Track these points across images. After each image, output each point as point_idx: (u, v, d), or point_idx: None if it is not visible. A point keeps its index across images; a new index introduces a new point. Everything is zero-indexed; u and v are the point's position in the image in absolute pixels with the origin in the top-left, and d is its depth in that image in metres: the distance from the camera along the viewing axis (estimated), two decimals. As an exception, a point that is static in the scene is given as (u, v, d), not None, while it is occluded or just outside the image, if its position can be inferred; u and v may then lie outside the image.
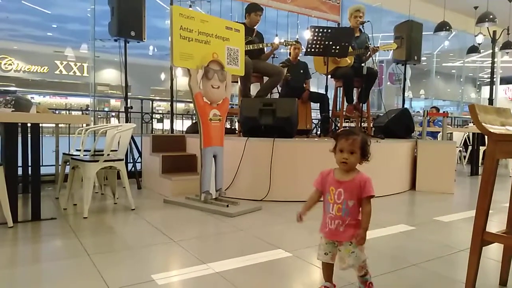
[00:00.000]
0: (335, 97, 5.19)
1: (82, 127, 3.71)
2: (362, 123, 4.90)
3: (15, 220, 2.50)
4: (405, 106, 5.89)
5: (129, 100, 4.48)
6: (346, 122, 5.55)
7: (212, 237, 2.44)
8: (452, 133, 6.98)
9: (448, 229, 2.73)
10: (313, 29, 4.18)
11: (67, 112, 7.71)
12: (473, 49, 8.84)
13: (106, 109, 13.43)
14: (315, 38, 4.15)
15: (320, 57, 4.65)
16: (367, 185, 1.39)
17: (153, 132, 5.60)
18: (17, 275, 1.75)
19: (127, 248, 2.16)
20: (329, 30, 4.20)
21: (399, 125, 4.48)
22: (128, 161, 4.29)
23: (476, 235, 1.47)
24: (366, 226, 1.40)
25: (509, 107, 1.81)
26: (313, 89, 5.45)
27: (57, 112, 5.13)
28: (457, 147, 6.09)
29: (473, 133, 6.17)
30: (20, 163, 2.71)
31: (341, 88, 4.83)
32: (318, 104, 5.21)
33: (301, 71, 5.17)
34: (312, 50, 4.22)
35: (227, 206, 3.02)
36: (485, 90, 14.69)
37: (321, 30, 4.16)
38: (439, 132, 5.97)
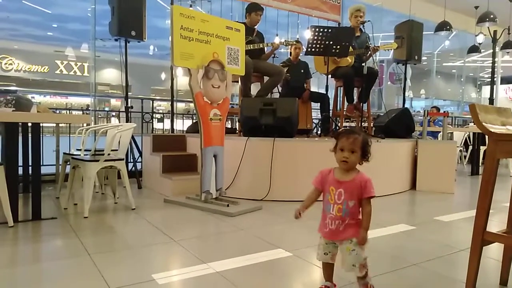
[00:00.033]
0: (336, 96, 5.19)
1: (83, 126, 3.71)
2: (363, 123, 4.89)
3: (15, 220, 2.51)
4: (406, 105, 5.89)
5: (129, 100, 4.48)
6: (347, 121, 5.56)
7: (213, 237, 2.44)
8: (452, 132, 6.98)
9: (449, 229, 2.72)
10: (313, 29, 4.18)
11: (68, 111, 7.71)
12: (474, 49, 8.83)
13: (106, 108, 13.45)
14: (315, 38, 4.15)
15: (321, 57, 4.66)
16: (368, 186, 1.40)
17: (154, 132, 5.59)
18: (17, 274, 1.75)
19: (128, 247, 2.16)
20: (330, 30, 4.19)
21: (399, 125, 4.48)
22: (129, 161, 4.30)
23: (476, 234, 1.47)
24: (367, 226, 1.40)
25: (510, 107, 1.81)
26: (313, 88, 5.45)
27: (57, 111, 5.13)
28: (457, 147, 6.10)
29: (474, 133, 6.17)
30: (20, 162, 2.71)
31: (342, 88, 4.84)
32: (319, 103, 5.22)
33: (302, 71, 5.16)
34: (313, 50, 4.21)
35: (228, 205, 3.02)
36: (486, 90, 14.64)
37: (321, 29, 4.16)
38: (440, 132, 5.96)
